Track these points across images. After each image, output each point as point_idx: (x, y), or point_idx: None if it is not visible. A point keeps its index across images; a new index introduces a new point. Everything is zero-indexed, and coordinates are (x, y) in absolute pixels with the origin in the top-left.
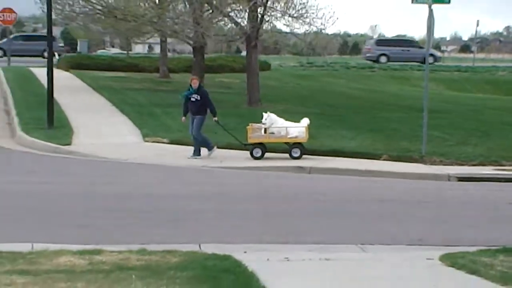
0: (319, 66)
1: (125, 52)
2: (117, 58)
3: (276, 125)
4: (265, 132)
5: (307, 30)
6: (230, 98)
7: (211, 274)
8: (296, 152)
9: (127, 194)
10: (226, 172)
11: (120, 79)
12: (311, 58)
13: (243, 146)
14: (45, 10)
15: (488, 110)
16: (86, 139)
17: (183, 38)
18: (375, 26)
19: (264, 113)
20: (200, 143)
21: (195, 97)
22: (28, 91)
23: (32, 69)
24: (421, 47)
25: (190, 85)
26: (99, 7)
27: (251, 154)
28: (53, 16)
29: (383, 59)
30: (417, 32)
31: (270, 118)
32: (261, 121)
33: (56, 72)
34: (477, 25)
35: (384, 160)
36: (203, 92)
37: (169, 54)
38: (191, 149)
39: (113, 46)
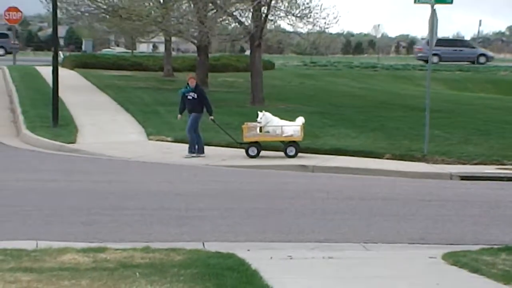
0: (322, 66)
1: (130, 51)
2: (122, 57)
3: (272, 124)
4: (260, 130)
5: (311, 30)
6: (234, 97)
7: (214, 272)
8: (291, 151)
9: (132, 192)
10: (230, 171)
11: (125, 78)
12: (315, 57)
13: (239, 145)
14: (51, 9)
15: (490, 110)
16: (91, 137)
17: (187, 37)
18: (378, 25)
19: (259, 112)
20: (198, 143)
21: (192, 95)
22: (34, 90)
23: (37, 67)
24: (473, 47)
25: (187, 84)
26: (104, 7)
27: (247, 152)
28: (59, 15)
29: (435, 59)
30: (420, 32)
31: (266, 117)
32: (256, 120)
33: (61, 71)
34: (480, 25)
35: (386, 159)
36: (200, 91)
37: (174, 53)
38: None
39: (117, 45)
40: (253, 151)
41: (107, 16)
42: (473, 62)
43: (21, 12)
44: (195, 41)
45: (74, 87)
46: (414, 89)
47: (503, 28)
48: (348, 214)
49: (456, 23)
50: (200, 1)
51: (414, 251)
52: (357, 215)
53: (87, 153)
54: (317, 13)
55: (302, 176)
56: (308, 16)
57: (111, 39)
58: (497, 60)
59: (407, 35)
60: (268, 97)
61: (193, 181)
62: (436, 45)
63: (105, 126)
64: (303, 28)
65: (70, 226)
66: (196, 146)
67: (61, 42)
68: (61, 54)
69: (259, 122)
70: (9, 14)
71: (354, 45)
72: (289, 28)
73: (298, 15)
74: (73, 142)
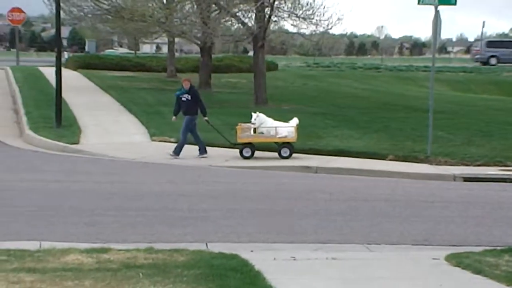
0: (326, 67)
1: (133, 52)
2: (125, 57)
3: (266, 125)
4: (254, 132)
5: (314, 31)
6: (237, 97)
7: (218, 272)
8: (285, 152)
9: (135, 193)
10: (233, 171)
11: (128, 79)
12: (318, 58)
13: (233, 146)
14: (54, 10)
15: (493, 111)
16: (94, 138)
17: (190, 38)
18: (382, 27)
19: (253, 113)
20: (181, 142)
21: (186, 97)
22: (37, 90)
23: (40, 68)
24: None
25: (182, 86)
26: (107, 7)
27: (241, 153)
28: (62, 16)
29: (492, 60)
30: (424, 33)
31: (260, 118)
32: (250, 121)
33: (64, 71)
34: (483, 26)
35: (389, 160)
36: (194, 92)
37: (177, 54)
38: (197, 148)
39: (121, 46)
40: (247, 152)
41: (110, 17)
42: None
43: (24, 13)
44: (199, 42)
45: (77, 87)
46: (417, 90)
47: (506, 29)
48: (351, 215)
49: (459, 24)
50: (203, 2)
51: (417, 253)
52: (360, 216)
53: (90, 153)
54: (320, 13)
55: (305, 177)
56: (311, 17)
57: (114, 40)
58: None
59: (411, 36)
60: (271, 97)
61: (196, 181)
62: (493, 47)
63: (108, 126)
64: (306, 29)
65: (73, 226)
66: (198, 148)
67: (64, 42)
68: (65, 55)
69: (253, 123)
70: (12, 15)
71: (358, 46)
72: (292, 29)
73: (302, 16)
74: (76, 142)
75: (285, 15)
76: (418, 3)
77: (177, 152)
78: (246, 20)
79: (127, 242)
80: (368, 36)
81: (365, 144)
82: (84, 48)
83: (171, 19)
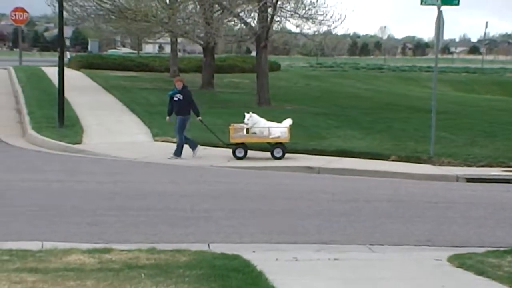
0: (329, 67)
1: (136, 51)
2: (128, 57)
3: (258, 125)
4: (247, 132)
5: (316, 31)
6: (240, 98)
7: (220, 273)
8: (278, 152)
9: (137, 193)
10: (235, 172)
11: (131, 79)
12: (321, 58)
13: (225, 146)
14: (57, 10)
15: (496, 111)
16: (97, 138)
17: (193, 38)
18: (384, 27)
19: (246, 113)
20: (178, 144)
21: (178, 96)
22: (39, 90)
23: (43, 68)
24: None
25: (175, 86)
26: (109, 7)
27: (234, 154)
28: (65, 16)
29: None
30: (426, 33)
31: (252, 118)
32: (243, 121)
33: (67, 71)
34: (486, 26)
35: (392, 160)
36: (186, 92)
37: (180, 54)
38: (200, 148)
39: (123, 46)
40: (240, 152)
41: (113, 17)
42: None
43: (27, 12)
44: (201, 42)
45: (80, 87)
46: (420, 90)
47: (509, 30)
48: (354, 215)
49: (462, 25)
50: (206, 2)
51: (420, 253)
52: (363, 217)
53: (93, 153)
54: (322, 13)
55: (307, 178)
56: (314, 17)
57: (117, 40)
58: (504, 62)
59: (413, 37)
60: (274, 98)
61: (198, 182)
62: None
63: (111, 126)
64: (309, 29)
65: (75, 226)
66: (189, 147)
67: (67, 42)
68: (67, 55)
69: (246, 123)
70: (15, 15)
71: (360, 46)
72: (295, 29)
73: (304, 16)
74: (79, 142)
75: (288, 15)
76: (421, 4)
77: (177, 153)
78: (249, 20)
79: (129, 242)
80: (371, 36)
81: (368, 145)
82: (87, 48)
83: (174, 19)
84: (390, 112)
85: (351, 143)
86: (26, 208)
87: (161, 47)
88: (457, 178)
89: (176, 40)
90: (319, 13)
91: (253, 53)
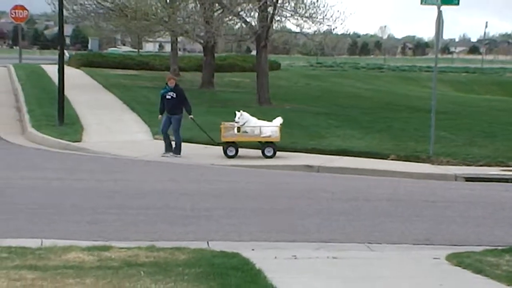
0: (329, 66)
1: (136, 50)
2: (128, 56)
3: (249, 124)
4: (238, 131)
5: (316, 31)
6: (240, 97)
7: (219, 271)
8: (269, 151)
9: (137, 191)
10: (235, 170)
11: (131, 77)
12: (321, 58)
13: (216, 144)
14: (57, 9)
15: (495, 112)
16: (96, 136)
17: (193, 37)
18: (384, 27)
19: (237, 112)
20: (177, 143)
21: (170, 94)
22: (39, 88)
23: (43, 66)
24: None
25: (167, 83)
26: (109, 6)
27: (225, 152)
28: (65, 14)
29: None
30: (426, 33)
31: (243, 117)
32: (234, 120)
33: (67, 69)
34: (486, 26)
35: (392, 160)
36: (179, 90)
37: (180, 53)
38: (200, 146)
39: (124, 44)
40: (231, 151)
41: (113, 16)
42: None
43: (27, 10)
44: (202, 41)
45: (80, 86)
46: (420, 90)
47: (509, 30)
48: (353, 214)
49: (462, 25)
50: (206, 1)
51: (419, 252)
52: (362, 216)
53: (93, 152)
54: (323, 12)
55: (307, 176)
56: (314, 16)
57: (118, 38)
58: (503, 62)
59: (413, 37)
60: (274, 97)
61: (198, 180)
62: None
63: (111, 125)
64: (309, 28)
65: (75, 224)
66: (173, 145)
67: (67, 40)
68: (67, 53)
69: (237, 122)
70: (15, 12)
71: (360, 46)
72: (295, 29)
73: (305, 15)
74: (79, 140)
75: (288, 15)
76: (421, 3)
77: (177, 152)
78: (249, 19)
79: (128, 240)
80: (371, 36)
81: (368, 144)
82: (87, 46)
83: (174, 18)
84: (390, 112)
85: (351, 143)
86: (26, 206)
87: (161, 46)
88: (456, 178)
89: (176, 39)
90: (319, 12)
91: (253, 52)
